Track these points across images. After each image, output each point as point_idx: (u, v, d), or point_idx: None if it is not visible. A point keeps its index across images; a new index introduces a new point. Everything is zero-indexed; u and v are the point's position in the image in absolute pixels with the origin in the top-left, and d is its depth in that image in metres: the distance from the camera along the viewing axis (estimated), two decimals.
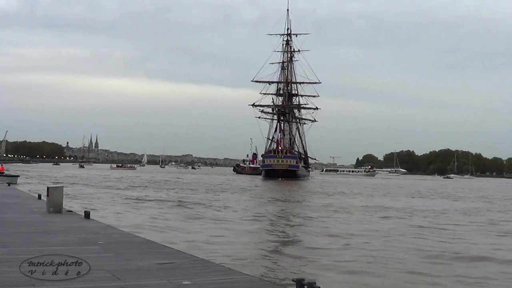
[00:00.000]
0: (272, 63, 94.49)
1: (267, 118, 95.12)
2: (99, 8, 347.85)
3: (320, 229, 18.97)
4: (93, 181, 52.40)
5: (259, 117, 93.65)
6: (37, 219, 13.14)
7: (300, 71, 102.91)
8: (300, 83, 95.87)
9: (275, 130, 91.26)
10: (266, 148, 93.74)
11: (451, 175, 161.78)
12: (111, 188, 41.77)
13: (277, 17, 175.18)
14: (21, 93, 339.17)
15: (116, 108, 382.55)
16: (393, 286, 10.47)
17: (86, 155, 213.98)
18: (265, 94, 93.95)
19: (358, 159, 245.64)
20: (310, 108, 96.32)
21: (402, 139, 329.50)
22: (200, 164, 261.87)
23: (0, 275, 6.48)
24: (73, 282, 6.26)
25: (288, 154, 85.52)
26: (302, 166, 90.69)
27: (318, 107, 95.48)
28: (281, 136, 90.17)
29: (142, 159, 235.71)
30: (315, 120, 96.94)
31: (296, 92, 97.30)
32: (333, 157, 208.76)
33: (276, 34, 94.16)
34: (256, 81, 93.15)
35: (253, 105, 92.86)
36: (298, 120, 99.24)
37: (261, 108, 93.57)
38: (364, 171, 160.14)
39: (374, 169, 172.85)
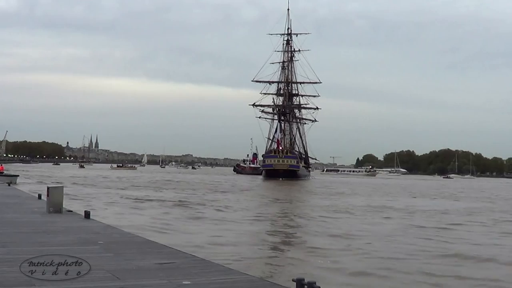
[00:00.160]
0: (273, 63, 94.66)
1: (268, 118, 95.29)
2: (99, 8, 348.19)
3: (321, 229, 18.95)
4: (93, 181, 52.39)
5: (259, 117, 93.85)
6: (37, 219, 13.13)
7: (301, 71, 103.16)
8: (300, 83, 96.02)
9: (276, 130, 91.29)
10: (266, 148, 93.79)
11: (451, 175, 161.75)
12: (112, 188, 41.77)
13: (277, 17, 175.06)
14: (21, 93, 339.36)
15: (116, 108, 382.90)
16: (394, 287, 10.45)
17: (86, 155, 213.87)
18: (265, 94, 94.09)
19: (358, 159, 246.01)
20: (310, 108, 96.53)
21: (402, 139, 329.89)
22: (200, 164, 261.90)
23: (0, 275, 6.47)
24: (73, 282, 6.26)
25: (288, 154, 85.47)
26: (302, 166, 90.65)
27: (319, 107, 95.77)
28: (282, 136, 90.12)
29: (142, 159, 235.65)
30: (315, 120, 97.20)
31: (296, 92, 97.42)
32: (333, 157, 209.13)
33: (277, 34, 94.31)
34: (257, 81, 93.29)
35: (254, 105, 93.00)
36: (298, 120, 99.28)
37: (262, 108, 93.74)
38: (365, 171, 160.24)
39: (375, 169, 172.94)
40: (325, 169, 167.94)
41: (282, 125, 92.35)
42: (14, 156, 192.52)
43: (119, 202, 27.97)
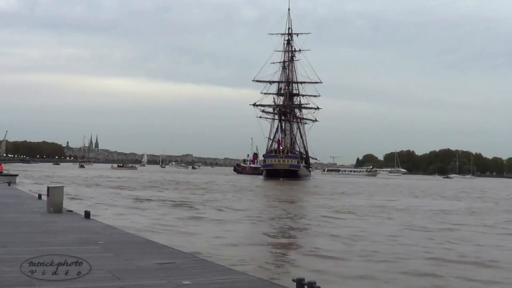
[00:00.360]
0: (273, 63, 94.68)
1: (268, 118, 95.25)
2: (99, 8, 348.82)
3: (322, 229, 18.91)
4: (94, 181, 52.39)
5: (260, 117, 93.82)
6: (37, 219, 13.15)
7: (301, 71, 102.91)
8: (301, 82, 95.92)
9: (276, 130, 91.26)
10: (267, 148, 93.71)
11: (452, 175, 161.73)
12: (112, 188, 41.77)
13: (277, 17, 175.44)
14: (21, 93, 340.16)
15: (116, 108, 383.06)
16: None
17: (86, 155, 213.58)
18: (266, 93, 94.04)
19: (358, 159, 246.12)
20: (311, 108, 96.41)
21: (402, 139, 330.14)
22: (200, 164, 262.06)
23: (0, 275, 6.48)
24: (73, 282, 6.26)
25: (289, 154, 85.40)
26: (303, 166, 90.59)
27: (319, 107, 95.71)
28: (282, 136, 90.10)
29: (142, 159, 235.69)
30: (316, 120, 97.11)
31: (297, 92, 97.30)
32: (333, 157, 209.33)
33: (277, 34, 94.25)
34: (257, 81, 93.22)
35: (254, 104, 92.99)
36: (299, 120, 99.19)
37: (262, 108, 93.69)
38: (366, 171, 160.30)
39: (375, 169, 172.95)
40: (326, 169, 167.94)
41: (283, 125, 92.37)
42: (14, 156, 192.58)
43: (119, 202, 27.93)
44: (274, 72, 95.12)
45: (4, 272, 6.64)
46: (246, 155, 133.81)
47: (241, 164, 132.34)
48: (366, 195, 44.40)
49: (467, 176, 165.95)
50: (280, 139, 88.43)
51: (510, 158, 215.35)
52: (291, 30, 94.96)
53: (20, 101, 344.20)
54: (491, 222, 23.67)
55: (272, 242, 15.95)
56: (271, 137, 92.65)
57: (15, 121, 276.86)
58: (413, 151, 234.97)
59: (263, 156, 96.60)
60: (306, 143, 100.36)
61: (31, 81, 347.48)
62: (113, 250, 8.80)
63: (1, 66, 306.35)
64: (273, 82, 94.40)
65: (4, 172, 43.40)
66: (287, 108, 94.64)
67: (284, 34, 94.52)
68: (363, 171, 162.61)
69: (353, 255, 13.42)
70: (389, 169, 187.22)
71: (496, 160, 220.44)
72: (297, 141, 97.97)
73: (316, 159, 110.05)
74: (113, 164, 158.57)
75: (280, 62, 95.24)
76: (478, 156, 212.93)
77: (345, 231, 18.13)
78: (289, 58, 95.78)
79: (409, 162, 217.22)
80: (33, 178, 54.14)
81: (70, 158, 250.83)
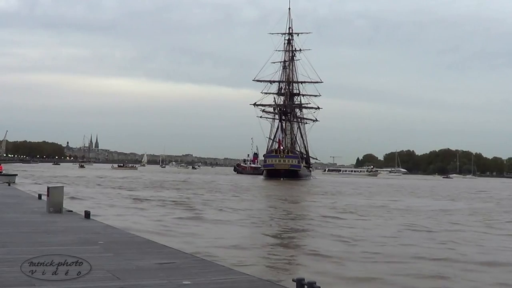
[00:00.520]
0: (274, 62, 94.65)
1: (269, 118, 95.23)
2: (99, 8, 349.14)
3: (322, 229, 18.87)
4: (94, 181, 52.39)
5: (260, 117, 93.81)
6: (37, 219, 13.13)
7: (302, 71, 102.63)
8: (301, 82, 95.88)
9: (277, 130, 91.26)
10: (267, 148, 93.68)
11: (452, 175, 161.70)
12: (113, 188, 41.78)
13: (277, 17, 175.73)
14: (21, 93, 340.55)
15: (116, 108, 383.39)
16: None
17: (86, 155, 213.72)
18: (266, 93, 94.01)
19: (358, 158, 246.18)
20: (311, 108, 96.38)
21: (402, 139, 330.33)
22: (200, 164, 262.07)
23: (0, 275, 6.47)
24: (73, 282, 6.25)
25: (289, 154, 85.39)
26: (303, 166, 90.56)
27: (320, 107, 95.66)
28: (283, 135, 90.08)
29: (142, 159, 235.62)
30: (316, 120, 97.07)
31: (297, 92, 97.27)
32: (333, 157, 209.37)
33: (278, 33, 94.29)
34: (258, 81, 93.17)
35: (255, 104, 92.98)
36: (299, 119, 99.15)
37: (263, 108, 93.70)
38: (367, 171, 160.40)
39: (376, 169, 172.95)
40: (326, 169, 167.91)
41: (283, 124, 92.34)
42: (14, 156, 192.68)
43: (119, 202, 27.94)
44: (275, 72, 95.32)
45: (4, 272, 6.63)
46: (247, 155, 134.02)
47: (242, 164, 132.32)
48: (367, 195, 44.36)
49: (467, 176, 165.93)
50: (281, 139, 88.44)
51: (510, 158, 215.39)
52: (292, 30, 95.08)
53: (20, 101, 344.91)
54: (493, 222, 23.60)
55: (272, 242, 15.93)
56: (272, 137, 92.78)
57: (15, 121, 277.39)
58: (413, 151, 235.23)
59: (263, 156, 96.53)
60: (307, 143, 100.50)
61: (31, 81, 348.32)
62: (113, 250, 8.79)
63: (1, 66, 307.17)
64: (274, 81, 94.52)
65: (4, 172, 43.40)
66: (288, 108, 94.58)
67: (285, 33, 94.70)
68: (364, 171, 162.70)
69: (354, 256, 13.38)
70: (389, 169, 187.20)
71: (496, 160, 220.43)
72: (298, 141, 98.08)
73: (316, 159, 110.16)
74: (114, 164, 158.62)
75: (280, 62, 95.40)
76: (478, 156, 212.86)
77: (346, 232, 18.09)
78: (290, 57, 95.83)
79: (409, 162, 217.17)
80: (32, 178, 54.14)
81: (70, 158, 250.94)
